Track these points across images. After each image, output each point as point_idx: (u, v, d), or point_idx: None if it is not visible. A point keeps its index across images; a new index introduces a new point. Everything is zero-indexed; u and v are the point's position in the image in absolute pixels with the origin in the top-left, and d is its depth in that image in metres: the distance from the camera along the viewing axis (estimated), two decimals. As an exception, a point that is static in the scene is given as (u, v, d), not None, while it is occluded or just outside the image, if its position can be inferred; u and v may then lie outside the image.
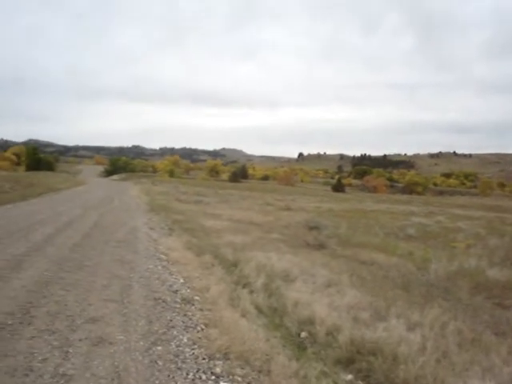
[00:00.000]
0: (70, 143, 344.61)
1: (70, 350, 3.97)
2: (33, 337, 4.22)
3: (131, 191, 35.74)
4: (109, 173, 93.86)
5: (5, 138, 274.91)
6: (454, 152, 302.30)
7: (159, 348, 4.18)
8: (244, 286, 6.67)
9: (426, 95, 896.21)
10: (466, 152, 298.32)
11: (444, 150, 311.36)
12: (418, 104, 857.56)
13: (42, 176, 49.89)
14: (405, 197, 69.38)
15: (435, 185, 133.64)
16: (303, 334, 5.00)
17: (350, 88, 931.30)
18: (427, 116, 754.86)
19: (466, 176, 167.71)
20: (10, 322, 4.54)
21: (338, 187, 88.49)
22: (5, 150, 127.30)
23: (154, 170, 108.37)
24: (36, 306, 5.09)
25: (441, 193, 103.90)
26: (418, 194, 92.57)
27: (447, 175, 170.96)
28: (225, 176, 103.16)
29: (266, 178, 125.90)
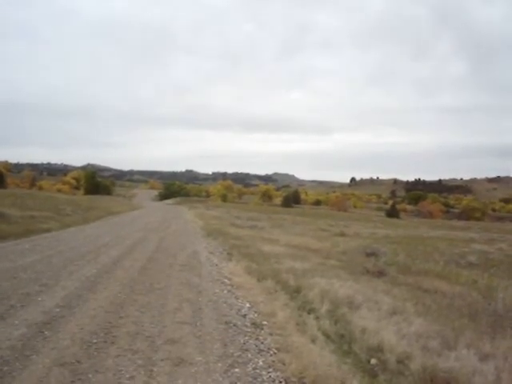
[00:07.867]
0: (126, 168, 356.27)
1: (154, 369, 4.17)
2: (118, 355, 4.47)
3: (186, 215, 36.50)
4: (163, 197, 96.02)
5: (65, 163, 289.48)
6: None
7: (237, 370, 4.32)
8: (309, 312, 6.72)
9: (481, 119, 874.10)
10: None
11: (502, 174, 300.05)
12: (472, 128, 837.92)
13: (100, 200, 51.87)
14: (462, 223, 67.17)
15: (494, 210, 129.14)
16: (373, 361, 5.00)
17: (400, 113, 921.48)
18: (482, 140, 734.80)
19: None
20: (94, 341, 4.82)
21: (393, 213, 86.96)
22: (65, 174, 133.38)
23: (208, 195, 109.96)
24: (116, 326, 5.37)
25: (500, 219, 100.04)
26: (476, 219, 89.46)
27: (506, 200, 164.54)
28: (277, 201, 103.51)
29: (318, 203, 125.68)
